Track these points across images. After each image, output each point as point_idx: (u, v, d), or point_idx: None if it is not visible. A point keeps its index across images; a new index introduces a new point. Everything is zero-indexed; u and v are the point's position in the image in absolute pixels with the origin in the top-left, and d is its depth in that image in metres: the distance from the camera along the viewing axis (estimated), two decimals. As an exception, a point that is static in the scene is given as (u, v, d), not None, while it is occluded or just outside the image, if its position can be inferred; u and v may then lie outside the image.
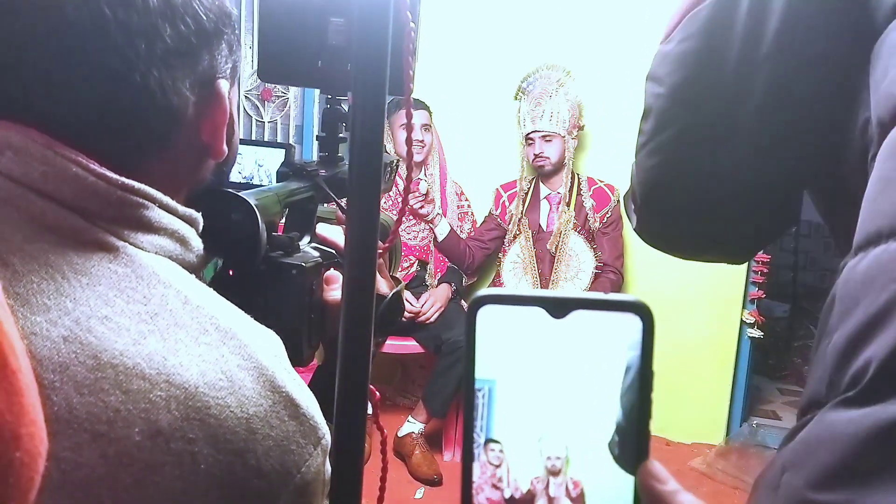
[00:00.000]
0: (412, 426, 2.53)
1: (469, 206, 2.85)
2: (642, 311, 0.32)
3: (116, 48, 0.41)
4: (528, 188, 2.70)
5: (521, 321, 0.33)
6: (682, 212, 0.55)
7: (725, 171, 0.50)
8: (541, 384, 0.34)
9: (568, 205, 2.62)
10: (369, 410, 0.48)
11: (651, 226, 0.59)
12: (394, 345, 2.55)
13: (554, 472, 0.35)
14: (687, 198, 0.54)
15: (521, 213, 2.68)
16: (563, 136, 2.58)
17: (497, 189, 2.77)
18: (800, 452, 0.41)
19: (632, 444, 0.33)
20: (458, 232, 2.71)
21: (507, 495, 0.35)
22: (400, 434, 2.53)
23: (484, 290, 0.33)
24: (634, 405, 0.33)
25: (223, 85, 0.50)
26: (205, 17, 0.46)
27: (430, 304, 2.55)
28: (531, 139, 2.61)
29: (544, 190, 2.69)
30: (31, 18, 0.41)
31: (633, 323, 0.32)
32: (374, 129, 0.45)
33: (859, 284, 0.38)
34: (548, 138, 2.58)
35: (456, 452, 2.57)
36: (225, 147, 0.51)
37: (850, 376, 0.38)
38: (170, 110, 0.45)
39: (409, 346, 2.57)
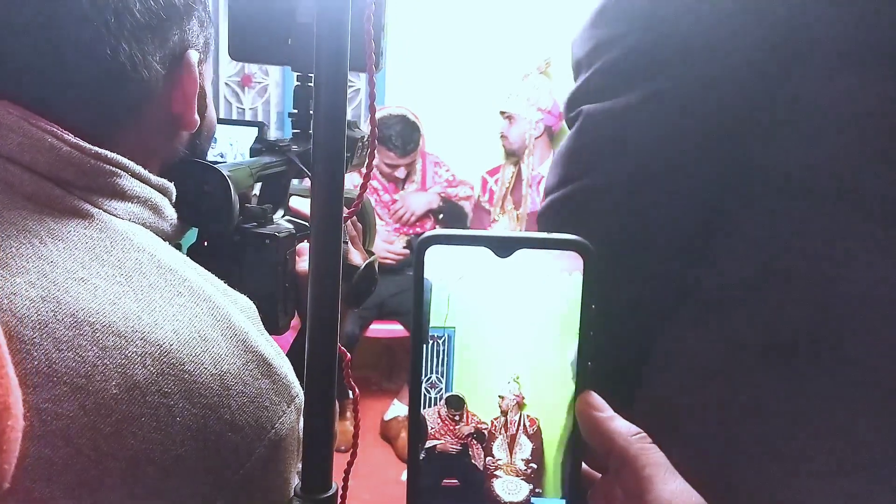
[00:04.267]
0: (398, 410, 2.56)
1: (453, 175, 2.86)
2: (583, 249, 0.34)
3: (86, 22, 0.43)
4: (513, 169, 2.73)
5: (467, 261, 0.35)
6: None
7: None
8: (495, 327, 0.36)
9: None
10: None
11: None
12: (380, 329, 2.57)
13: (511, 412, 0.37)
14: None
15: (507, 191, 2.71)
16: (526, 119, 2.61)
17: (483, 176, 2.80)
18: None
19: (575, 376, 0.35)
20: (451, 195, 2.74)
21: (464, 436, 0.37)
22: (386, 418, 2.56)
23: (431, 231, 0.34)
24: (576, 340, 0.35)
25: (192, 55, 0.51)
26: None
27: (395, 207, 2.57)
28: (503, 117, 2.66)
29: (526, 171, 2.72)
30: None
31: (576, 260, 0.34)
32: (337, 103, 0.47)
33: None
34: (510, 118, 2.62)
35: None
36: (197, 117, 0.53)
37: None
38: (140, 83, 0.47)
39: (396, 330, 2.59)
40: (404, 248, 2.63)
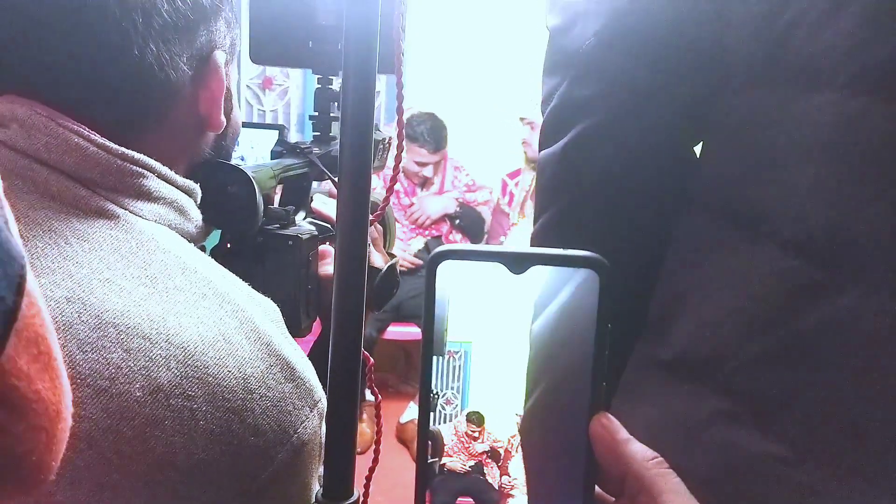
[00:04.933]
0: (415, 412, 2.55)
1: (473, 180, 2.85)
2: (599, 266, 0.32)
3: (114, 23, 0.43)
4: (533, 176, 2.71)
5: (481, 277, 0.34)
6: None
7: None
8: (510, 343, 0.35)
9: None
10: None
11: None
12: (397, 332, 2.57)
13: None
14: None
15: (526, 195, 2.69)
16: None
17: (503, 178, 2.79)
18: None
19: (588, 396, 0.34)
20: (469, 201, 2.72)
21: (479, 453, 0.36)
22: (403, 420, 2.55)
23: (443, 246, 0.33)
24: (590, 359, 0.33)
25: (220, 56, 0.51)
26: None
27: (420, 207, 2.56)
28: (524, 123, 2.64)
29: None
30: None
31: (591, 278, 0.33)
32: (365, 106, 0.46)
33: None
34: (531, 125, 2.60)
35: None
36: (223, 118, 0.53)
37: None
38: (168, 84, 0.47)
39: (413, 332, 2.58)
40: (420, 249, 2.62)
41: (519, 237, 2.67)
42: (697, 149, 0.53)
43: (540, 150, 0.58)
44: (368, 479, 0.51)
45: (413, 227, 2.65)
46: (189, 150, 0.53)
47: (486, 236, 2.73)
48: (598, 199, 0.54)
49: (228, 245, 0.59)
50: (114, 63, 0.44)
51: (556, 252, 0.33)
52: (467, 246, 0.33)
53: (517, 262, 0.33)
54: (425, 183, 2.68)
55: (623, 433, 0.33)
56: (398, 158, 0.51)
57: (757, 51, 0.43)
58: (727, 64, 0.46)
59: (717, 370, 0.43)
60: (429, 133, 2.53)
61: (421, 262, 2.53)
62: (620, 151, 0.52)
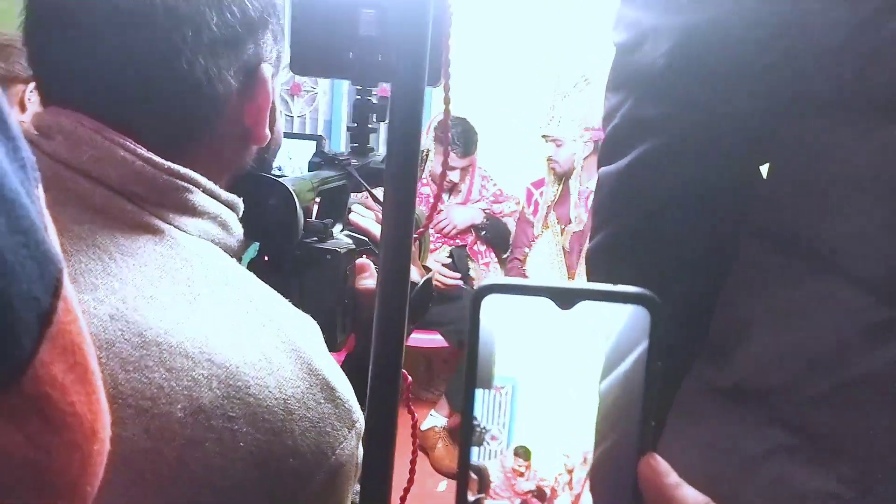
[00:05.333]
0: (435, 420, 2.55)
1: (500, 190, 2.83)
2: (650, 303, 0.31)
3: (164, 36, 0.42)
4: (559, 184, 2.68)
5: (527, 312, 0.33)
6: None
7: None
8: (558, 380, 0.34)
9: None
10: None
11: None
12: (418, 339, 2.56)
13: (577, 469, 0.35)
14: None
15: (549, 208, 2.67)
16: (574, 140, 2.56)
17: (528, 187, 2.76)
18: None
19: (636, 437, 0.32)
20: (496, 212, 2.71)
21: (524, 492, 0.34)
22: (423, 428, 2.54)
23: (489, 279, 0.32)
24: (640, 398, 0.32)
25: (267, 69, 0.51)
26: (250, 6, 0.47)
27: (447, 217, 2.54)
28: (547, 140, 2.61)
29: (574, 185, 2.68)
30: (81, 6, 0.42)
31: (641, 315, 0.32)
32: (413, 120, 0.45)
33: None
34: (557, 142, 2.57)
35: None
36: (268, 132, 0.52)
37: None
38: (215, 98, 0.46)
39: (434, 340, 2.58)
40: (448, 257, 2.61)
41: (542, 248, 2.65)
42: (764, 168, 0.52)
43: (599, 166, 0.58)
44: (403, 499, 0.50)
45: (438, 235, 2.65)
46: (233, 163, 0.53)
47: (511, 248, 2.72)
48: (660, 220, 0.53)
49: (266, 258, 0.59)
50: (162, 76, 0.44)
51: (606, 288, 0.32)
52: (513, 280, 0.32)
53: (565, 298, 0.32)
54: (452, 189, 2.66)
55: (673, 476, 0.32)
56: (443, 175, 0.50)
57: (832, 80, 0.42)
58: (799, 91, 0.45)
59: (779, 402, 0.42)
60: (459, 137, 2.52)
61: (458, 278, 2.51)
62: (684, 174, 0.51)
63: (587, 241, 0.58)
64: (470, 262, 2.69)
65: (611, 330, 0.33)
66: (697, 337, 0.52)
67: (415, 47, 0.43)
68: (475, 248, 2.71)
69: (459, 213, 2.63)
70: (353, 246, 0.61)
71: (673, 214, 0.52)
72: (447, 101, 0.45)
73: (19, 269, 0.23)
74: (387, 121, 0.48)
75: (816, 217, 0.42)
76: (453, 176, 2.61)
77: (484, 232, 2.66)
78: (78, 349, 0.28)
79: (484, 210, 2.69)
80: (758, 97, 0.47)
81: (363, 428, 0.48)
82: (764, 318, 0.45)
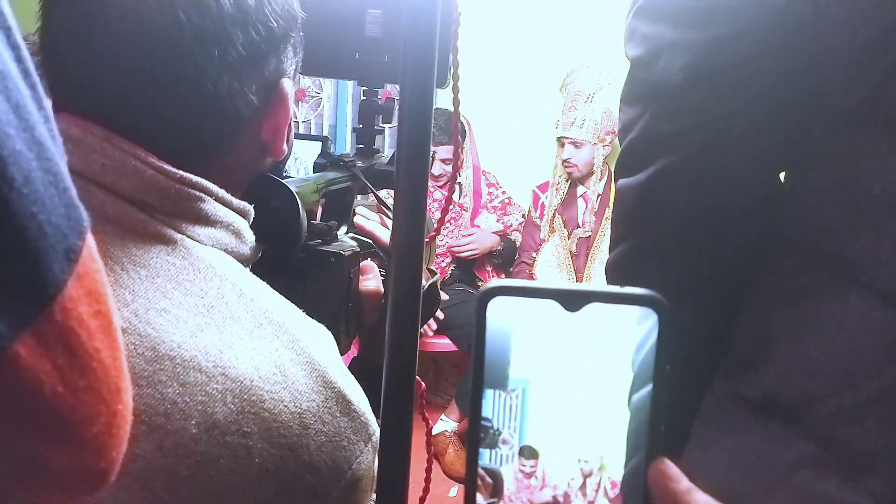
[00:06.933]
0: (445, 424, 2.53)
1: (509, 198, 2.82)
2: (658, 305, 0.31)
3: (190, 55, 0.41)
4: (565, 187, 2.67)
5: (535, 315, 0.32)
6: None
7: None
8: (568, 382, 0.33)
9: (608, 205, 2.58)
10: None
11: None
12: (427, 343, 2.56)
13: (589, 474, 0.34)
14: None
15: (555, 212, 2.65)
16: (594, 144, 2.54)
17: (533, 191, 2.75)
18: None
19: (645, 440, 0.32)
20: (506, 224, 2.70)
21: (540, 500, 0.34)
22: (433, 433, 2.53)
23: (496, 281, 0.32)
24: (647, 401, 0.32)
25: (287, 84, 0.49)
26: (275, 24, 0.46)
27: (468, 239, 2.53)
28: (563, 142, 2.59)
29: (581, 188, 2.66)
30: (106, 19, 0.40)
31: (649, 317, 0.31)
32: (422, 121, 0.44)
33: None
34: (577, 145, 2.55)
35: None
36: (285, 147, 0.51)
37: None
38: (237, 116, 0.45)
39: (443, 344, 2.57)
40: (452, 265, 2.61)
41: (550, 252, 2.64)
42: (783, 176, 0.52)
43: (617, 178, 0.57)
44: (419, 509, 0.49)
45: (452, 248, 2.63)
46: (248, 174, 0.51)
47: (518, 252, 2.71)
48: (680, 234, 0.53)
49: (269, 261, 0.58)
50: (185, 95, 0.42)
51: (613, 290, 0.32)
52: (519, 282, 0.32)
53: (571, 300, 0.32)
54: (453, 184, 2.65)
55: (684, 482, 0.31)
56: (453, 178, 0.49)
57: (854, 94, 0.41)
58: (821, 105, 0.44)
59: (809, 415, 0.41)
60: (443, 127, 2.49)
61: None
62: (704, 189, 0.51)
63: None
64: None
65: (639, 342, 0.32)
66: (718, 349, 0.51)
67: (423, 49, 0.42)
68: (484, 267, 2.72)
69: (486, 240, 2.62)
70: (357, 248, 0.60)
71: (693, 229, 0.52)
72: (456, 104, 0.45)
73: (49, 201, 0.25)
74: (393, 123, 0.47)
75: (843, 231, 0.42)
76: (434, 168, 2.58)
77: (499, 260, 2.67)
78: (102, 298, 0.28)
79: (499, 234, 2.68)
80: (777, 111, 0.47)
81: (378, 440, 0.47)
82: (792, 330, 0.44)
